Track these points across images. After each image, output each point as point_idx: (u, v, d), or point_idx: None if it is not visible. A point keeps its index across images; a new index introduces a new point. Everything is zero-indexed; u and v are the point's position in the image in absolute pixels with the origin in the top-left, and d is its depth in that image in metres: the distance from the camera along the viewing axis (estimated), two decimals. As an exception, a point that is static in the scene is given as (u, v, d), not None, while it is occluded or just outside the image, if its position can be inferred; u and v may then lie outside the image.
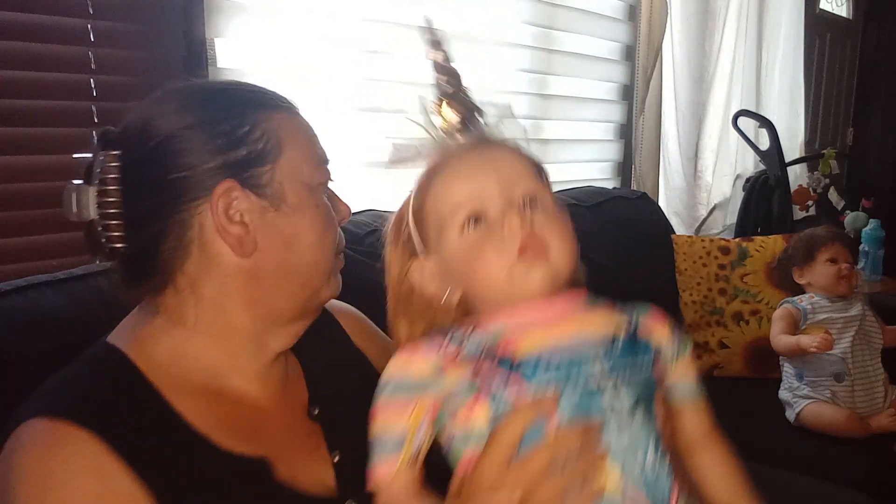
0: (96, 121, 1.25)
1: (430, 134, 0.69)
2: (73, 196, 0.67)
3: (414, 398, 0.58)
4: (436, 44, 0.80)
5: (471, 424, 0.58)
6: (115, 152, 0.66)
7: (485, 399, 0.57)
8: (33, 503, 0.56)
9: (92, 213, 0.66)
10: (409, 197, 0.67)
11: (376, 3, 1.67)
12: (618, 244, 1.94)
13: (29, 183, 1.20)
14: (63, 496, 0.56)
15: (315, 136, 0.74)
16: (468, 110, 0.73)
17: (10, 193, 1.18)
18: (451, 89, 0.76)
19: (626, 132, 2.64)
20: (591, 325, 0.61)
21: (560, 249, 0.61)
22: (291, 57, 1.53)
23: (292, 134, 0.70)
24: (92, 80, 1.24)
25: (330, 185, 0.75)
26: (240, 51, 1.46)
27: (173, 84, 0.71)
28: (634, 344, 0.62)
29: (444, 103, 0.73)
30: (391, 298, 0.67)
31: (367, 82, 1.67)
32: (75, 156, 1.26)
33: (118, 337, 0.69)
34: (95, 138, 0.69)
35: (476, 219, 0.61)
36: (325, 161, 0.73)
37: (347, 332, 0.85)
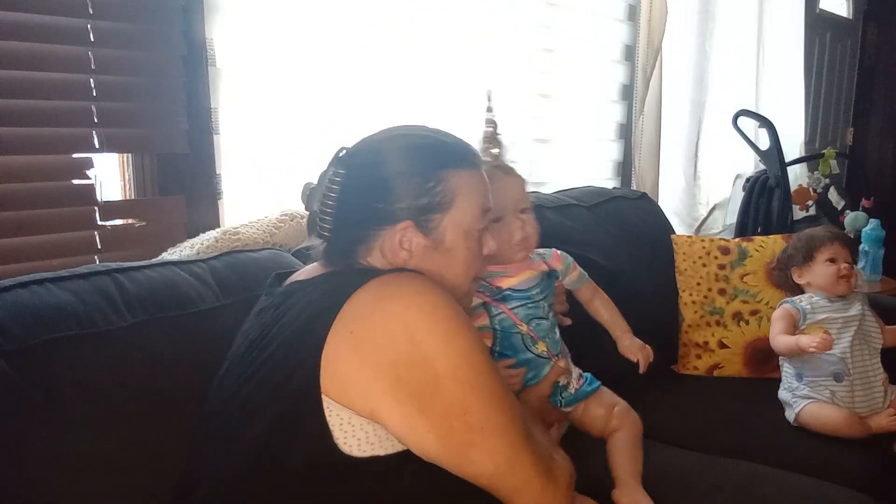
0: (96, 121, 1.25)
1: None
2: (307, 192, 0.95)
3: None
4: (490, 110, 1.26)
5: (479, 324, 1.16)
6: (342, 171, 0.91)
7: (485, 312, 1.17)
8: (445, 298, 0.83)
9: (315, 206, 0.93)
10: None
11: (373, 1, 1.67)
12: (618, 244, 1.94)
13: (29, 183, 1.20)
14: (443, 292, 0.84)
15: (486, 189, 0.96)
16: (499, 149, 1.25)
17: (10, 193, 1.18)
18: (493, 134, 1.25)
19: (626, 132, 2.64)
20: (532, 270, 1.23)
21: (535, 237, 1.21)
22: (290, 55, 1.53)
23: (466, 189, 0.92)
24: (92, 80, 1.25)
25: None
26: (239, 50, 1.46)
27: (399, 130, 0.96)
28: (550, 274, 1.26)
29: (489, 144, 1.24)
30: None
31: (366, 80, 1.67)
32: (75, 156, 1.26)
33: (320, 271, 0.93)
34: (334, 155, 0.94)
35: (498, 217, 1.13)
36: (488, 209, 0.96)
37: None
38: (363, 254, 0.92)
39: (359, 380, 0.78)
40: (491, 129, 1.24)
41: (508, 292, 1.19)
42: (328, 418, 0.78)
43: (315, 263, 0.97)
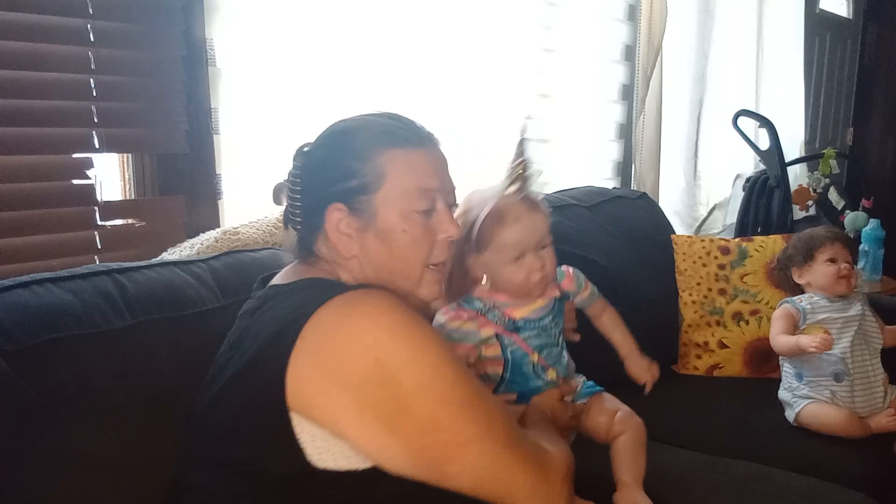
0: (96, 121, 1.25)
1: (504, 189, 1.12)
2: (279, 189, 0.97)
3: (466, 342, 1.14)
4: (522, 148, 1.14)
5: (491, 353, 1.16)
6: (299, 164, 0.94)
7: (497, 342, 1.16)
8: (410, 315, 0.80)
9: (284, 200, 0.96)
10: (480, 218, 1.10)
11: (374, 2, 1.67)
12: (618, 244, 1.94)
13: (29, 183, 1.20)
14: (408, 309, 0.81)
15: (428, 168, 0.92)
16: (527, 184, 1.13)
17: (10, 193, 1.18)
18: (524, 171, 1.13)
19: (626, 132, 2.64)
20: (545, 299, 1.20)
21: (553, 274, 1.18)
22: (290, 55, 1.53)
23: (398, 169, 0.90)
24: (92, 80, 1.24)
25: (440, 205, 0.93)
26: (239, 50, 1.46)
27: (344, 118, 0.97)
28: (561, 298, 1.23)
29: (518, 179, 1.13)
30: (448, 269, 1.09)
31: (366, 80, 1.67)
32: (75, 156, 1.26)
33: (294, 276, 0.94)
34: (297, 150, 0.96)
35: (518, 256, 1.12)
36: (432, 190, 0.92)
37: None
38: (318, 242, 0.93)
39: (324, 400, 0.77)
40: (519, 164, 1.13)
41: (522, 323, 1.17)
42: (299, 435, 0.77)
43: (292, 263, 0.97)
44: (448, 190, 0.96)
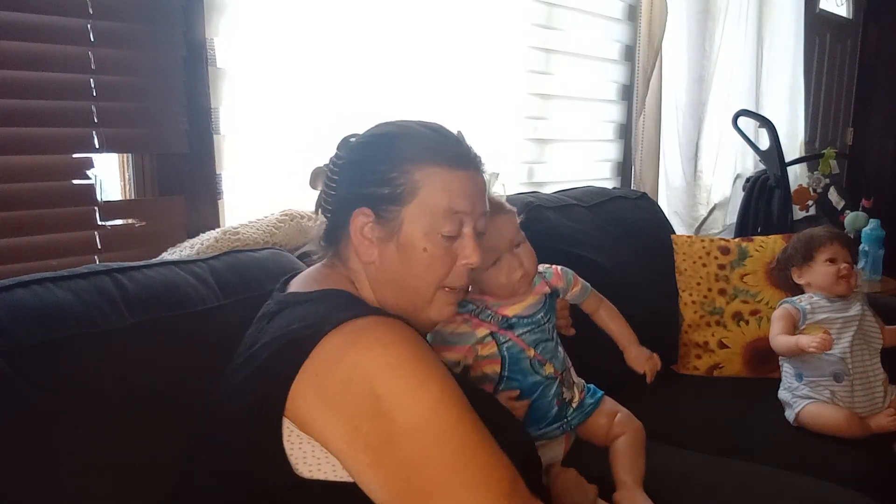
0: (96, 121, 1.25)
1: None
2: (317, 173, 0.97)
3: (462, 345, 1.17)
4: None
5: (487, 352, 1.18)
6: (342, 154, 0.94)
7: (493, 340, 1.18)
8: (416, 351, 0.79)
9: (320, 186, 0.96)
10: None
11: (373, 2, 1.67)
12: (618, 244, 1.94)
13: (29, 183, 1.20)
14: (417, 344, 0.81)
15: (463, 192, 0.91)
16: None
17: (10, 193, 1.18)
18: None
19: (626, 132, 2.64)
20: (536, 295, 1.23)
21: (534, 269, 1.21)
22: (290, 55, 1.53)
23: (431, 187, 0.90)
24: (92, 80, 1.24)
25: (467, 230, 0.93)
26: (239, 50, 1.46)
27: (396, 120, 0.97)
28: (552, 294, 1.26)
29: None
30: None
31: (367, 80, 1.67)
32: (75, 156, 1.26)
33: (313, 283, 0.94)
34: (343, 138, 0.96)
35: (495, 260, 1.15)
36: (461, 213, 0.91)
37: None
38: (344, 240, 0.93)
39: (319, 422, 0.77)
40: None
41: (515, 320, 1.19)
42: (289, 448, 0.77)
43: (317, 265, 0.98)
44: (478, 215, 0.94)
